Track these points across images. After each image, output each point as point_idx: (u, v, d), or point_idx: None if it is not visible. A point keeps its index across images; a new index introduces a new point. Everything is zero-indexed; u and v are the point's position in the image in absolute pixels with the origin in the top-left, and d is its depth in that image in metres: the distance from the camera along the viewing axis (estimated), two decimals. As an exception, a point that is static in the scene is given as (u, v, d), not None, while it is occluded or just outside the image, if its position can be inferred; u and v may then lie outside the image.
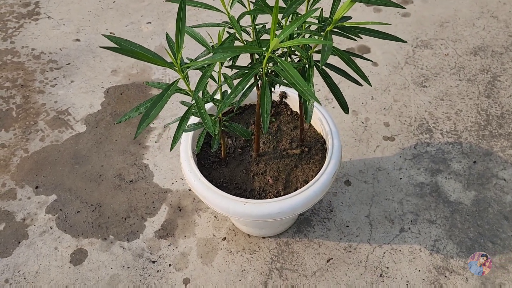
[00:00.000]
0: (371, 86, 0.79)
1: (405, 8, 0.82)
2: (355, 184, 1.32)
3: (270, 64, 0.82)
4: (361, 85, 0.84)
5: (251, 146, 1.10)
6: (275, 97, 1.17)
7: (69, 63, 1.69)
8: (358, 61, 1.63)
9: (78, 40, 1.77)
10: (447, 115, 1.47)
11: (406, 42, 0.75)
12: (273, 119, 1.15)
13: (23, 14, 1.88)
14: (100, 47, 0.59)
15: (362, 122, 1.46)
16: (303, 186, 1.02)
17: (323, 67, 0.82)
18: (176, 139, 0.81)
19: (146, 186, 1.34)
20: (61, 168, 1.39)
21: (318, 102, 0.65)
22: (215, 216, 1.27)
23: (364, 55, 1.66)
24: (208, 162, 1.07)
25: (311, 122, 1.13)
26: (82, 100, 1.57)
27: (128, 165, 1.39)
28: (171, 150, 0.81)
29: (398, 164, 1.36)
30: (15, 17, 1.87)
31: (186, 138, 1.06)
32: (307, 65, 0.80)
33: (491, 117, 1.46)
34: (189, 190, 1.33)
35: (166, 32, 0.87)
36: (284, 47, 0.80)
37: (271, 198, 1.00)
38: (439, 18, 1.78)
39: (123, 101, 1.56)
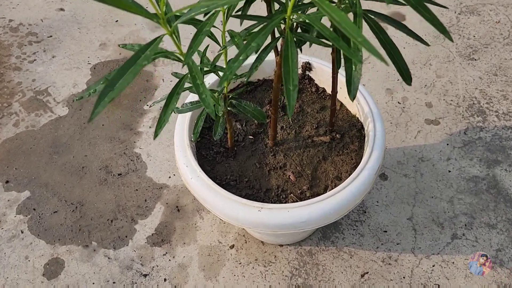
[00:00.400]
0: (452, 41, 0.54)
1: None
2: (393, 178, 1.07)
3: (295, 17, 0.57)
4: (427, 44, 0.59)
5: (265, 132, 0.86)
6: (296, 70, 0.92)
7: (50, 36, 1.44)
8: (390, 30, 1.37)
9: (62, 9, 1.53)
10: (502, 94, 1.21)
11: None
12: (294, 98, 0.90)
13: (1, -20, 1.64)
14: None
15: (398, 103, 1.21)
16: (335, 184, 0.78)
17: (373, 17, 0.57)
18: (161, 122, 0.57)
19: (137, 181, 1.11)
20: (36, 159, 1.16)
21: (385, 62, 0.40)
22: (221, 218, 1.03)
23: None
24: (211, 153, 0.83)
25: (343, 101, 0.88)
26: (65, 78, 1.33)
27: (117, 155, 1.16)
28: (154, 138, 0.57)
29: (446, 153, 1.11)
30: (-8, -16, 1.63)
31: (182, 121, 0.81)
32: (352, 15, 0.55)
33: (557, 96, 1.20)
34: (190, 185, 1.09)
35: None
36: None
37: (293, 201, 0.75)
38: (486, -21, 1.51)
39: (112, 79, 1.31)
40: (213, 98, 0.67)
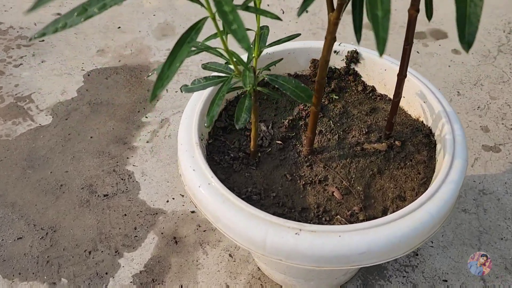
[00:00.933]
0: None
1: None
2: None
3: None
4: None
5: (298, 138, 0.65)
6: (338, 62, 0.72)
7: (42, 40, 1.27)
8: (430, 46, 1.20)
9: (59, 14, 1.36)
10: None
11: None
12: (335, 96, 0.70)
13: (-3, -15, 1.49)
14: None
15: (448, 125, 1.01)
16: (397, 206, 0.56)
17: None
18: (163, 78, 0.37)
19: (127, 204, 0.89)
20: (6, 173, 0.94)
21: None
22: (230, 255, 0.80)
23: (440, 41, 1.22)
24: (226, 159, 0.62)
25: (401, 103, 0.68)
26: (53, 85, 1.14)
27: (105, 173, 0.94)
28: (151, 100, 0.36)
29: (512, 186, 0.89)
30: (-14, -12, 1.48)
31: (190, 114, 0.61)
32: None
33: None
34: (193, 212, 0.87)
35: None
36: None
37: (343, 223, 0.53)
38: (534, 1, 1.35)
39: (108, 87, 1.12)
40: (246, 70, 0.46)
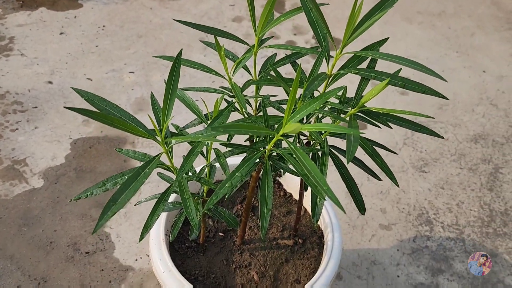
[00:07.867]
0: (398, 187, 0.65)
1: (446, 98, 0.69)
2: (347, 278, 1.15)
3: (274, 154, 0.67)
4: (380, 180, 0.70)
5: (235, 231, 0.93)
6: (268, 174, 1.02)
7: (36, 107, 1.51)
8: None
9: (50, 82, 1.61)
10: (448, 206, 1.35)
11: (443, 138, 0.62)
12: (263, 200, 0.99)
13: (-6, 48, 1.72)
14: (65, 107, 0.44)
15: (356, 206, 1.32)
16: (294, 287, 0.85)
17: (337, 153, 0.68)
18: (147, 227, 0.64)
19: (104, 261, 1.14)
20: (5, 229, 1.18)
21: (342, 209, 0.50)
22: (182, 306, 1.06)
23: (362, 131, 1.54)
24: (183, 247, 0.89)
25: (308, 209, 0.98)
26: (44, 150, 1.38)
27: (87, 233, 1.19)
28: (140, 240, 0.63)
29: (396, 258, 1.21)
30: (-16, 50, 1.71)
31: (160, 218, 0.88)
32: (320, 152, 0.66)
33: (494, 213, 1.34)
34: (155, 270, 1.13)
35: (151, 93, 0.72)
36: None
37: (256, 302, 0.82)
38: (438, 99, 1.71)
39: (91, 156, 1.38)
40: (195, 207, 0.75)
